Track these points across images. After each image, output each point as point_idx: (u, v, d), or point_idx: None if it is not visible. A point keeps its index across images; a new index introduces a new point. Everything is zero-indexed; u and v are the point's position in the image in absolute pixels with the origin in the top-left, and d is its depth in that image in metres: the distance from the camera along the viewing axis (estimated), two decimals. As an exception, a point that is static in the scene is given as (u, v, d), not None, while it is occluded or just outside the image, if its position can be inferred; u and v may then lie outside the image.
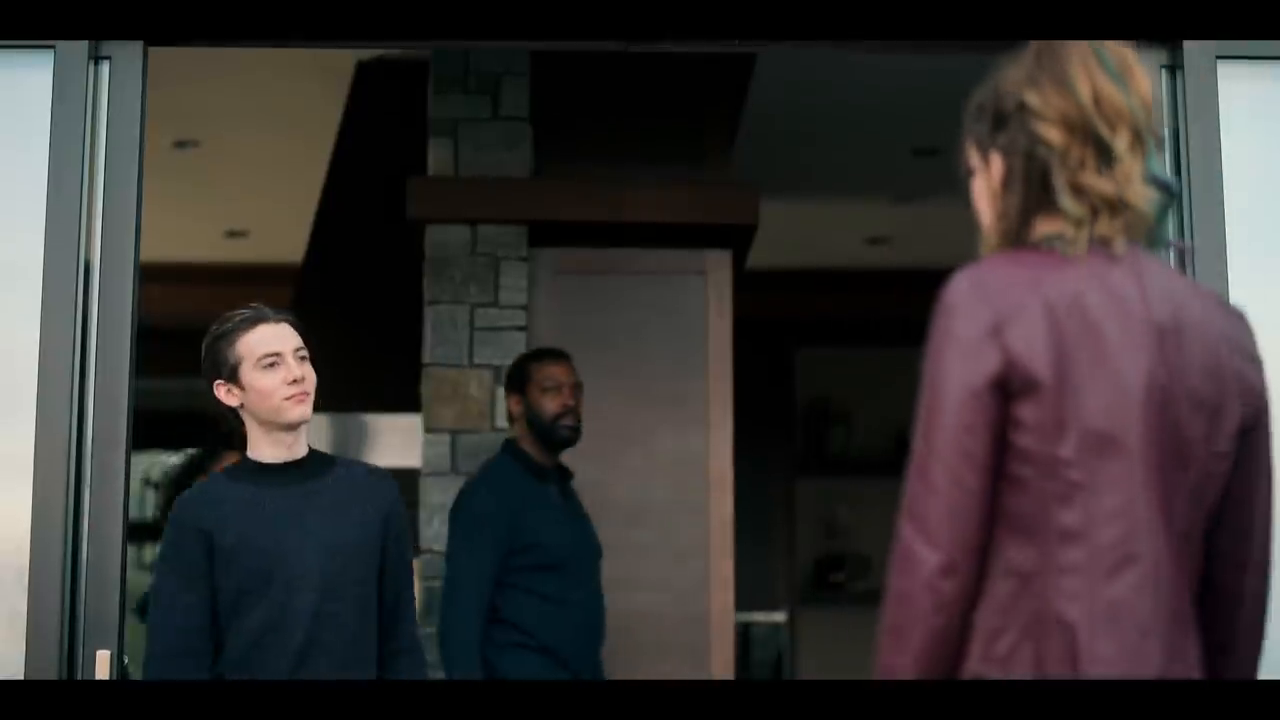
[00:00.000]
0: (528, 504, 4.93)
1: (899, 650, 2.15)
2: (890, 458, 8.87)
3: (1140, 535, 2.16)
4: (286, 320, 3.58)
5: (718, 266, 6.26)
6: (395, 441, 7.21)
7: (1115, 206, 2.27)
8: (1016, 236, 2.32)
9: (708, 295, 6.23)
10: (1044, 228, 2.29)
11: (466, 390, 5.99)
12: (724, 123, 6.49)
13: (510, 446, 5.10)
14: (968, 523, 2.16)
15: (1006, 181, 2.32)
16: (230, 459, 3.94)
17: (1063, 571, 2.14)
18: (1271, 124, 3.79)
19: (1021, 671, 2.13)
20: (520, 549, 4.86)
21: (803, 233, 8.26)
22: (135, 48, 3.71)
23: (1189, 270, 3.63)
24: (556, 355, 5.20)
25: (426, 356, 6.03)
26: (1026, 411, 2.16)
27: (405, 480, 6.87)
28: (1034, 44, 2.37)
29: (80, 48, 3.65)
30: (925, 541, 2.14)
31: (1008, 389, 2.17)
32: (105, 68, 3.70)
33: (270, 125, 7.16)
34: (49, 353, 3.57)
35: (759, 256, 6.98)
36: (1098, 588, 2.13)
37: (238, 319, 3.57)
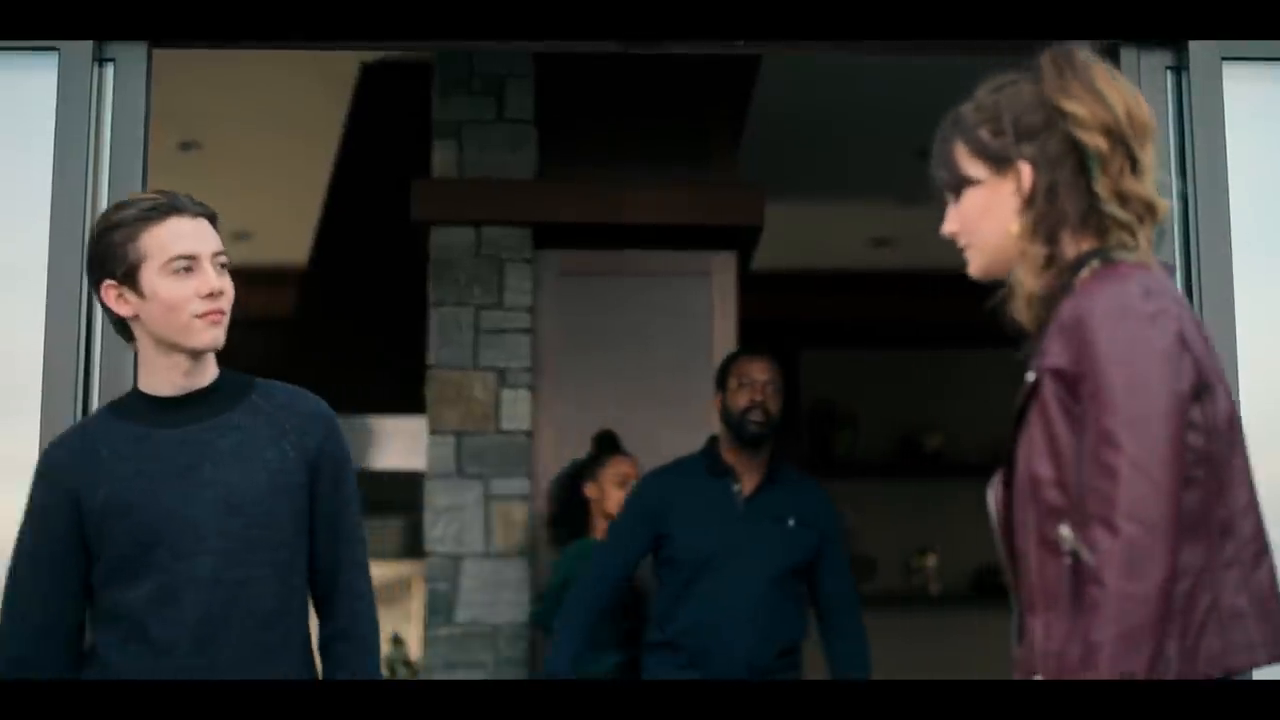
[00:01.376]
0: (679, 498, 4.91)
1: (1134, 654, 2.13)
2: (896, 460, 8.86)
3: (1264, 525, 2.31)
4: (205, 215, 2.93)
5: (722, 268, 6.26)
6: (400, 444, 7.22)
7: (1154, 214, 2.36)
8: (1055, 246, 2.37)
9: (712, 297, 6.24)
10: (1083, 242, 2.36)
11: (471, 392, 5.98)
12: (729, 124, 6.49)
13: (708, 442, 5.09)
14: (1196, 521, 2.22)
15: (1047, 192, 2.36)
16: None
17: (1227, 566, 2.25)
18: (1276, 125, 3.78)
19: (1209, 668, 2.20)
20: (660, 540, 4.88)
21: (807, 234, 8.25)
22: (139, 49, 3.71)
23: (1194, 277, 3.63)
24: (752, 352, 5.18)
25: (431, 358, 6.03)
26: (1198, 413, 2.25)
27: (410, 483, 6.89)
28: (1046, 56, 2.41)
29: (84, 49, 3.65)
30: (1160, 542, 2.15)
31: (1194, 392, 2.25)
32: (109, 69, 3.70)
33: (274, 127, 7.16)
34: (53, 354, 3.57)
35: (763, 258, 6.97)
36: (1250, 579, 2.27)
37: (144, 204, 2.89)
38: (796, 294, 8.80)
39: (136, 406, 2.93)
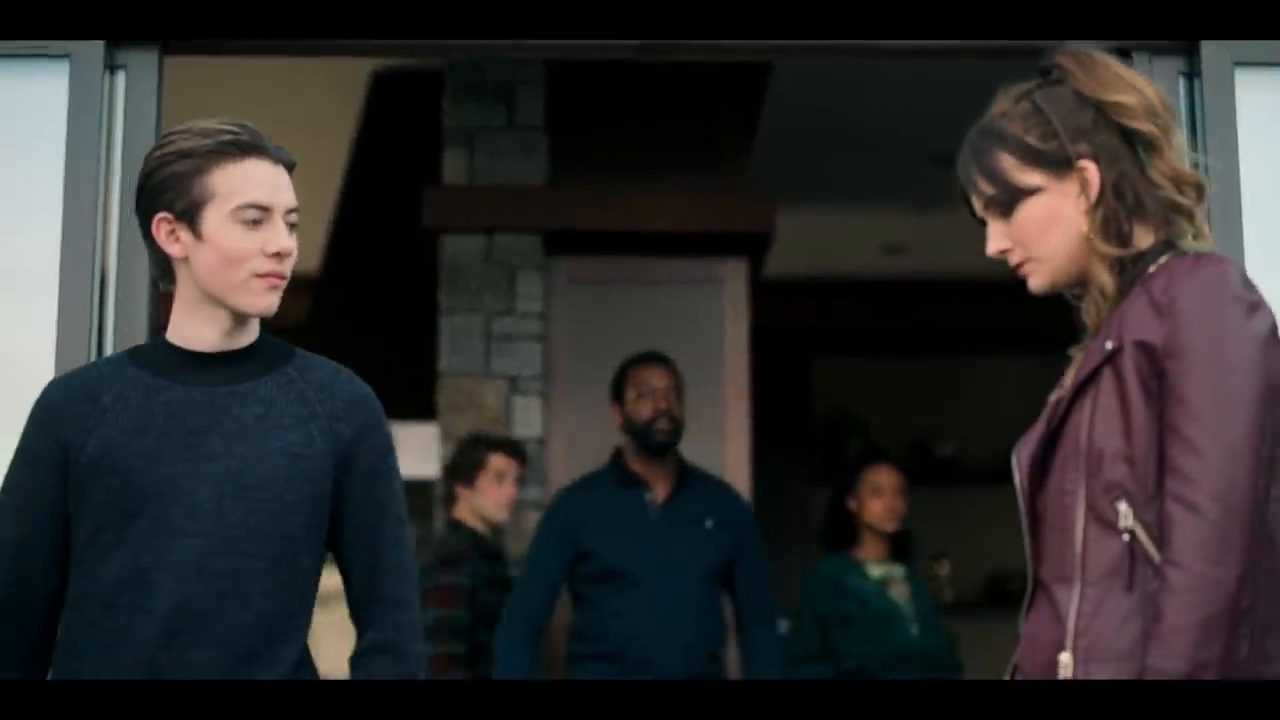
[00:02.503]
0: (591, 512, 4.88)
1: (1210, 643, 2.10)
2: (908, 467, 8.84)
3: None
4: (285, 163, 2.61)
5: (734, 275, 6.25)
6: (411, 451, 7.21)
7: (1203, 195, 2.36)
8: (1128, 241, 2.33)
9: (724, 304, 6.23)
10: (1150, 233, 2.33)
11: (482, 399, 5.98)
12: (740, 131, 6.48)
13: (614, 455, 5.07)
14: (1262, 515, 2.16)
15: (1115, 186, 2.33)
16: None
17: (1267, 574, 2.17)
18: (1289, 130, 3.77)
19: (1233, 674, 2.13)
20: (580, 558, 4.84)
21: (819, 241, 8.25)
22: (151, 57, 3.71)
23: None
24: (648, 360, 5.13)
25: (442, 365, 6.03)
26: (1275, 415, 2.20)
27: (421, 490, 6.88)
28: (1064, 57, 2.38)
29: (96, 57, 3.65)
30: (1241, 529, 2.12)
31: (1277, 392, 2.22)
32: (120, 77, 3.70)
33: (285, 134, 7.09)
34: (64, 363, 3.56)
35: (776, 265, 6.97)
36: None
37: (222, 135, 2.53)
38: (809, 301, 8.79)
39: (158, 355, 2.57)
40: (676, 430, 4.97)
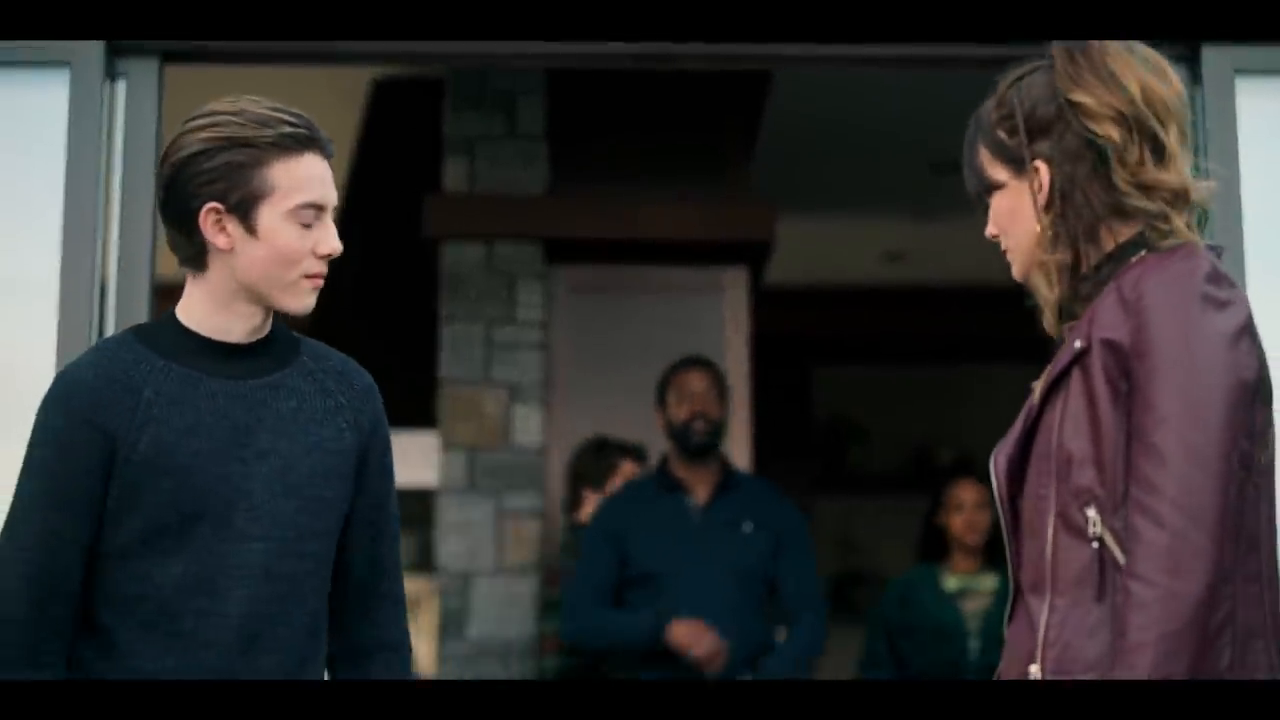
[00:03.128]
0: (634, 519, 4.92)
1: (1175, 657, 2.02)
2: (908, 475, 8.85)
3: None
4: (331, 157, 2.44)
5: (734, 283, 6.25)
6: (411, 459, 7.20)
7: (1184, 199, 2.24)
8: (1087, 244, 2.25)
9: (724, 312, 6.23)
10: (1123, 231, 2.24)
11: (483, 408, 5.98)
12: (741, 139, 6.48)
13: (660, 460, 5.13)
14: (1235, 522, 2.07)
15: (1064, 190, 2.25)
16: None
17: (1248, 580, 2.10)
18: (1290, 138, 3.77)
19: (1265, 676, 2.10)
20: (623, 563, 4.88)
21: (820, 249, 8.25)
22: (151, 65, 3.71)
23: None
24: (689, 364, 5.17)
25: (443, 374, 6.03)
26: (1257, 415, 2.14)
27: (421, 498, 6.88)
28: (1058, 49, 2.31)
29: (96, 65, 3.65)
30: (1209, 539, 2.03)
31: (1254, 390, 2.14)
32: (121, 85, 3.70)
33: (287, 143, 7.15)
34: (65, 370, 3.56)
35: (777, 273, 6.96)
36: (1265, 598, 2.13)
37: (283, 127, 2.38)
38: (809, 309, 8.80)
39: (181, 344, 2.41)
40: (715, 432, 5.00)
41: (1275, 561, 2.17)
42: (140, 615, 2.34)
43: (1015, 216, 2.31)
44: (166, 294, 4.06)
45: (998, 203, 2.34)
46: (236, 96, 2.44)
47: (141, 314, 3.62)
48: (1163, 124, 2.24)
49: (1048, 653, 2.14)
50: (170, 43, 3.70)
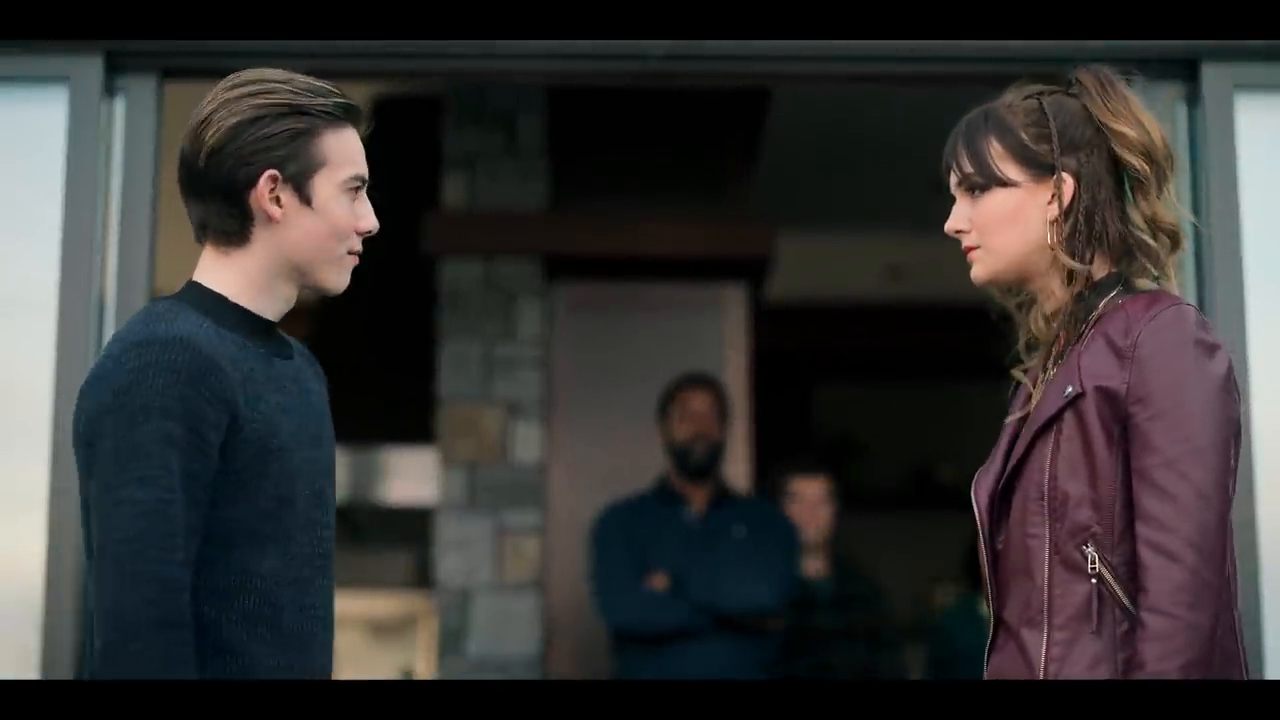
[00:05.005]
0: (637, 528, 5.04)
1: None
2: (909, 492, 8.83)
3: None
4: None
5: (734, 300, 6.25)
6: (410, 476, 7.19)
7: (1179, 244, 2.36)
8: (1086, 264, 2.34)
9: (724, 329, 6.22)
10: (1109, 264, 2.35)
11: (482, 425, 5.97)
12: (741, 156, 6.48)
13: (659, 477, 5.24)
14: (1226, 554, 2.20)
15: (1087, 208, 2.33)
16: None
17: (1227, 608, 2.22)
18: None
19: None
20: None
21: (821, 266, 8.24)
22: (149, 81, 3.70)
23: (1207, 308, 3.61)
24: (692, 383, 5.29)
25: (442, 390, 6.02)
26: (1238, 451, 2.25)
27: (419, 515, 6.86)
28: (1086, 74, 2.40)
29: (95, 81, 3.65)
30: (1217, 573, 2.16)
31: (1239, 428, 2.26)
32: (120, 101, 3.69)
33: (287, 160, 7.14)
34: (64, 387, 3.55)
35: (777, 290, 6.95)
36: (1235, 624, 2.27)
37: (335, 97, 2.33)
38: (810, 326, 8.79)
39: (235, 317, 2.29)
40: (714, 453, 5.15)
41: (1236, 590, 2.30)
42: (243, 607, 2.20)
43: (1015, 218, 2.37)
44: (165, 310, 4.06)
45: (996, 200, 2.39)
46: (261, 68, 2.37)
47: (140, 330, 3.60)
48: (1170, 173, 2.36)
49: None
50: (169, 59, 3.70)
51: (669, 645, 4.84)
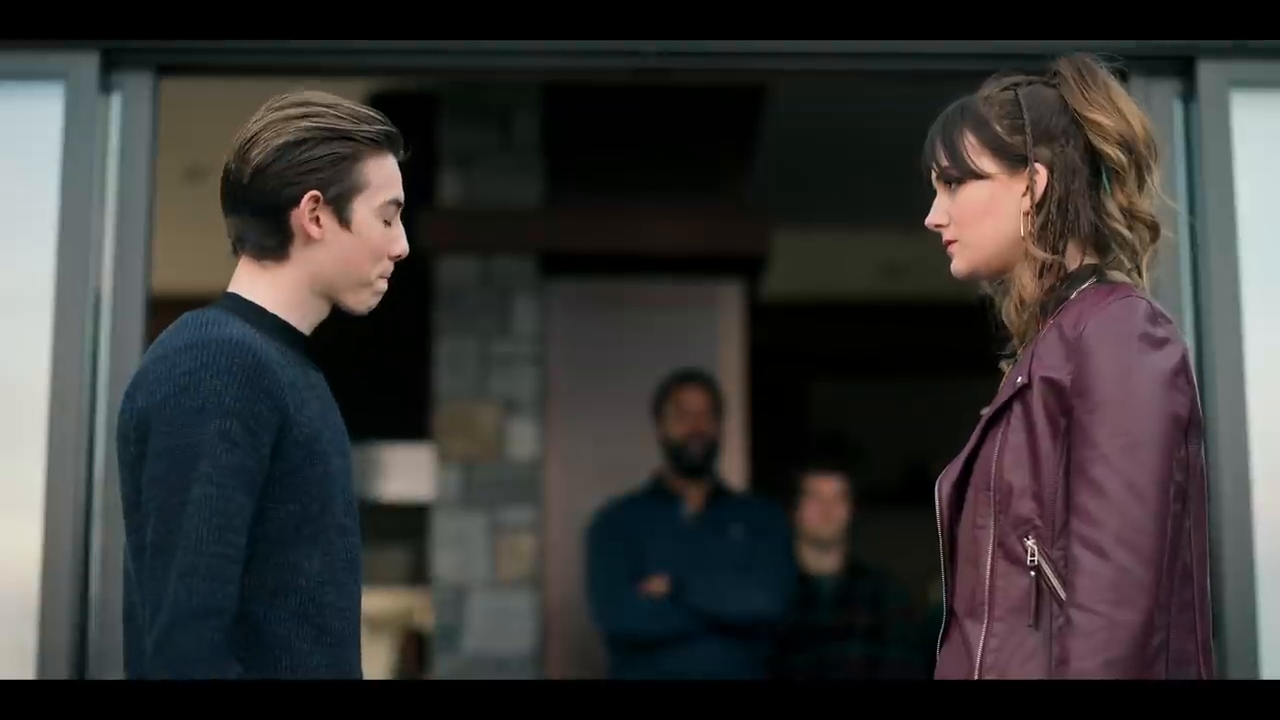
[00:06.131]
0: (633, 526, 5.04)
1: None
2: (905, 490, 8.82)
3: (1208, 578, 2.26)
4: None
5: (729, 297, 6.25)
6: (406, 473, 7.19)
7: (1156, 236, 2.33)
8: (1059, 255, 2.32)
9: (720, 326, 6.22)
10: (1083, 255, 2.32)
11: (478, 422, 5.97)
12: (737, 152, 6.48)
13: (654, 474, 5.24)
14: (1171, 553, 2.15)
15: (1060, 199, 2.31)
16: None
17: (1182, 608, 2.18)
18: (1286, 151, 3.77)
19: None
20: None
21: (817, 263, 8.24)
22: (145, 78, 3.70)
23: (1202, 305, 3.61)
24: (688, 380, 5.29)
25: (438, 387, 6.02)
26: (1182, 448, 2.20)
27: (415, 512, 6.86)
28: (1067, 63, 2.37)
29: (91, 78, 3.64)
30: (1150, 570, 2.11)
31: (1186, 426, 2.21)
32: (116, 98, 3.69)
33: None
34: (59, 385, 3.55)
35: (773, 287, 6.95)
36: (1197, 626, 2.22)
37: (377, 124, 2.41)
38: (806, 323, 8.79)
39: (277, 327, 2.36)
40: (709, 452, 5.16)
41: (1206, 591, 2.24)
42: (289, 606, 2.26)
43: (990, 210, 2.35)
44: (162, 308, 4.06)
45: (971, 193, 2.38)
46: (304, 89, 2.44)
47: (137, 329, 3.61)
48: (1151, 165, 2.32)
49: (985, 676, 2.20)
50: (165, 56, 3.70)
51: (665, 647, 4.84)
